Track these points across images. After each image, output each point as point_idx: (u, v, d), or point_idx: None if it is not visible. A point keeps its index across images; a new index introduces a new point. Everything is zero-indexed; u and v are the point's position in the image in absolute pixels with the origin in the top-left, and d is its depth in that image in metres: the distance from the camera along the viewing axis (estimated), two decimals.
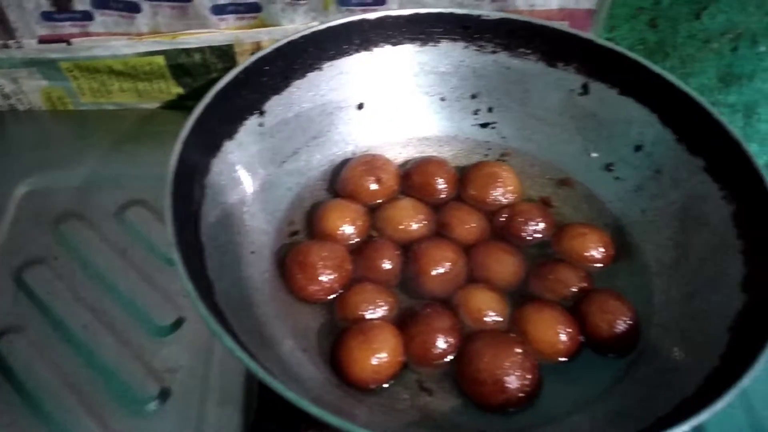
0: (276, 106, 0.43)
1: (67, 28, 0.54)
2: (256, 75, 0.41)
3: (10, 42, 0.53)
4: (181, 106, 0.60)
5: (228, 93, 0.39)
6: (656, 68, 0.43)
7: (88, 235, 0.49)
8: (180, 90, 0.58)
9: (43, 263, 0.47)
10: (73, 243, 0.49)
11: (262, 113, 0.42)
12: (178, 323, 0.44)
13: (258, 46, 0.56)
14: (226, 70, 0.54)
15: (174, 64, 0.56)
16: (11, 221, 0.50)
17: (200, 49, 0.55)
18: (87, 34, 0.54)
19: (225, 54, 0.56)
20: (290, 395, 0.27)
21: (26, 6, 0.52)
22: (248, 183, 0.41)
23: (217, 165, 0.38)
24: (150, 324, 0.44)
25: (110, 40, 0.54)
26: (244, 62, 0.41)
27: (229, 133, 0.40)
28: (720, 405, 0.27)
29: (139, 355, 0.43)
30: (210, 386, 0.41)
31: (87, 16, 0.53)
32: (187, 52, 0.55)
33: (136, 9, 0.53)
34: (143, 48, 0.54)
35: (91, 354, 0.42)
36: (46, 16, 0.53)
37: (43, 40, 0.54)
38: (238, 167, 0.40)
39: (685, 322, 0.37)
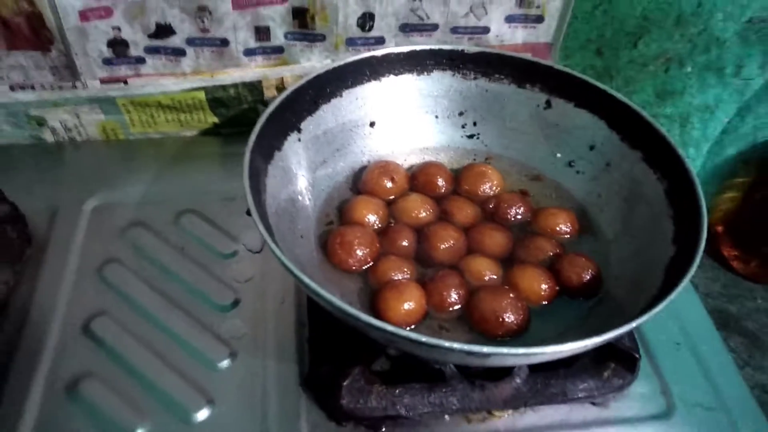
0: (309, 124, 0.53)
1: (123, 70, 0.63)
2: (294, 102, 0.51)
3: (78, 84, 0.63)
4: (216, 132, 0.69)
5: (276, 116, 0.49)
6: (601, 85, 0.55)
7: (151, 239, 0.57)
8: (215, 119, 0.68)
9: (118, 262, 0.55)
10: (140, 246, 0.57)
11: (299, 131, 0.53)
12: (235, 303, 0.53)
13: (282, 81, 0.66)
14: (256, 101, 0.65)
15: (212, 98, 0.65)
16: (85, 231, 0.58)
17: (234, 85, 0.65)
18: (139, 75, 0.64)
19: (255, 88, 0.66)
20: (332, 299, 0.35)
21: (90, 54, 0.61)
22: (294, 184, 0.51)
23: (272, 169, 0.48)
24: (212, 304, 0.53)
25: (160, 80, 0.64)
26: (285, 91, 0.50)
27: (278, 145, 0.50)
28: (658, 309, 0.38)
29: (208, 327, 0.51)
30: (269, 347, 0.50)
31: (140, 60, 0.63)
32: (224, 87, 0.65)
33: (181, 53, 0.62)
34: (188, 85, 0.64)
35: (168, 329, 0.51)
36: (106, 62, 0.62)
37: (103, 81, 0.63)
38: (285, 171, 0.50)
39: (634, 271, 0.48)
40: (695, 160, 0.83)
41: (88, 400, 0.46)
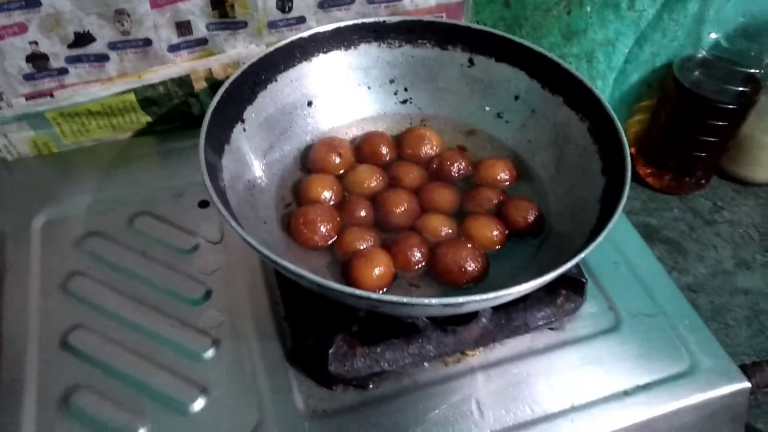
0: (251, 113, 0.55)
1: (46, 83, 0.62)
2: (233, 94, 0.52)
3: (1, 103, 0.61)
4: (150, 131, 0.69)
5: (218, 111, 0.50)
6: (517, 39, 0.58)
7: (110, 247, 0.57)
8: (148, 118, 0.68)
9: (81, 274, 0.55)
10: (100, 255, 0.56)
11: (243, 121, 0.54)
12: (207, 294, 0.54)
13: (210, 72, 0.66)
14: (186, 95, 0.65)
15: (142, 98, 0.65)
16: (40, 248, 0.57)
17: (163, 82, 0.65)
18: (64, 86, 0.62)
19: (184, 83, 0.66)
20: (318, 279, 0.38)
21: (10, 71, 0.59)
22: (248, 173, 0.53)
23: (225, 162, 0.49)
24: (185, 299, 0.54)
25: (87, 87, 0.63)
26: (223, 85, 0.51)
27: (226, 139, 0.51)
28: (600, 239, 0.42)
29: (185, 321, 0.52)
30: (248, 330, 0.51)
31: (63, 71, 0.62)
32: (153, 86, 0.65)
33: (105, 59, 0.62)
34: (116, 89, 0.63)
35: (146, 330, 0.51)
36: (28, 77, 0.61)
37: (27, 97, 0.62)
38: (238, 162, 0.52)
39: (571, 206, 0.52)
40: (603, 90, 0.88)
41: (84, 412, 0.47)
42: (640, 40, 0.81)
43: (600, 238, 0.41)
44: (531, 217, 0.51)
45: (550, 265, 0.42)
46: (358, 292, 0.37)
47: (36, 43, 0.58)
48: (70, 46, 0.59)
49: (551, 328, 0.52)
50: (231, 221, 0.41)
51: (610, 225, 0.42)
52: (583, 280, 0.51)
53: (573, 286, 0.52)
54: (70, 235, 0.58)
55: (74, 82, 0.62)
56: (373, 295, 0.37)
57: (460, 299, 0.37)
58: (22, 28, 0.57)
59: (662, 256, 0.80)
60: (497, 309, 0.50)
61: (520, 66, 0.57)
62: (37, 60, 0.59)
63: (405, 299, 0.37)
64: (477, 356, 0.50)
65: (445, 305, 0.37)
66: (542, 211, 0.52)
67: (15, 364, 0.49)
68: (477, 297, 0.38)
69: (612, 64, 0.84)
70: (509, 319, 0.50)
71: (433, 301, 0.37)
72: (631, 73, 0.86)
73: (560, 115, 0.55)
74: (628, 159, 0.46)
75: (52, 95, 0.62)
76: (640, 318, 0.53)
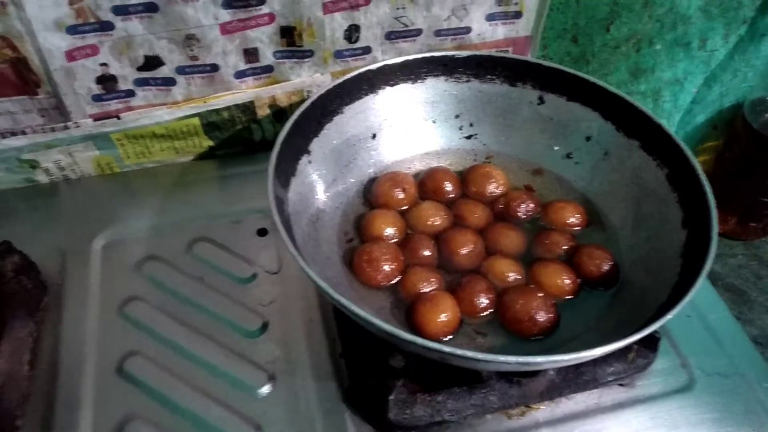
0: (316, 145, 0.53)
1: (113, 105, 0.62)
2: (300, 125, 0.51)
3: (69, 123, 0.61)
4: (211, 155, 0.68)
5: (286, 143, 0.49)
6: (591, 78, 0.56)
7: (168, 272, 0.56)
8: (210, 142, 0.67)
9: (139, 298, 0.54)
10: (158, 279, 0.56)
11: (309, 152, 0.52)
12: (264, 326, 0.53)
13: (274, 99, 0.65)
14: (249, 121, 0.64)
15: (206, 123, 0.65)
16: (99, 270, 0.57)
17: (227, 108, 0.64)
18: (131, 108, 0.62)
19: (248, 109, 0.65)
20: (356, 309, 0.36)
21: (79, 92, 0.59)
22: (312, 206, 0.51)
23: (291, 196, 0.48)
24: (241, 330, 0.52)
25: (152, 111, 0.62)
26: (291, 117, 0.50)
27: (292, 171, 0.50)
28: (687, 300, 0.39)
29: (241, 353, 0.51)
30: (304, 367, 0.50)
31: (130, 94, 0.61)
32: (217, 111, 0.64)
33: (172, 83, 0.61)
34: (181, 113, 0.63)
35: (202, 361, 0.50)
36: (96, 98, 0.61)
37: (94, 118, 0.62)
38: (302, 196, 0.50)
39: (647, 258, 0.49)
40: None
41: None
42: (709, 80, 0.78)
43: (688, 297, 0.38)
44: (605, 267, 0.48)
45: (627, 320, 0.40)
46: (430, 344, 0.35)
47: (106, 65, 0.58)
48: (140, 69, 0.59)
49: (621, 384, 0.49)
50: (301, 262, 0.39)
51: (698, 284, 0.39)
52: (657, 335, 0.48)
53: (645, 341, 0.49)
54: (130, 257, 0.57)
55: (140, 105, 0.62)
56: (446, 349, 0.35)
57: (539, 359, 0.35)
58: (94, 50, 0.57)
59: (726, 305, 0.75)
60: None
61: (594, 106, 0.55)
62: (107, 81, 0.59)
63: (480, 355, 0.35)
64: (542, 410, 0.48)
65: (522, 363, 0.35)
66: (616, 260, 0.49)
67: (72, 387, 0.49)
68: (556, 357, 0.35)
69: (678, 103, 0.81)
70: (578, 374, 0.47)
71: (511, 359, 0.34)
72: (698, 113, 0.83)
73: (635, 160, 0.52)
74: (714, 212, 0.43)
75: (118, 117, 0.61)
76: (714, 378, 0.50)
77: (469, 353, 0.34)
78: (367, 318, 0.36)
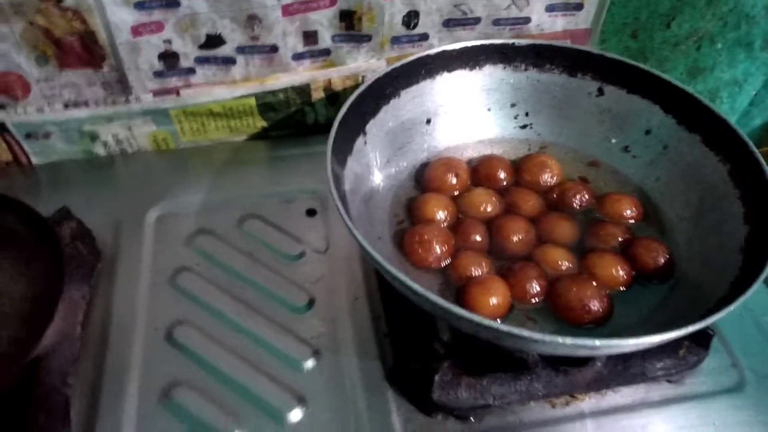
0: (372, 127, 0.53)
1: (173, 82, 0.63)
2: (358, 106, 0.51)
3: (130, 98, 0.62)
4: (264, 136, 0.69)
5: (344, 122, 0.49)
6: (653, 71, 0.55)
7: (218, 246, 0.57)
8: (264, 123, 0.68)
9: (189, 270, 0.55)
10: (209, 253, 0.57)
11: (365, 133, 0.52)
12: (310, 303, 0.53)
13: (329, 83, 0.66)
14: (304, 104, 0.65)
15: (262, 103, 0.65)
16: (152, 241, 0.58)
17: (284, 89, 0.65)
18: (190, 86, 0.63)
19: (303, 91, 0.65)
20: (415, 286, 0.36)
21: (142, 68, 0.60)
22: (366, 186, 0.52)
23: (347, 173, 0.48)
24: (288, 305, 0.53)
25: (211, 89, 0.63)
26: (350, 98, 0.50)
27: (349, 150, 0.50)
28: (749, 294, 0.38)
29: (288, 328, 0.51)
30: (349, 344, 0.50)
31: (191, 71, 0.62)
32: (273, 92, 0.65)
33: (232, 62, 0.62)
34: (239, 92, 0.64)
35: (249, 332, 0.51)
36: (157, 74, 0.62)
37: (154, 93, 0.63)
38: (357, 175, 0.50)
39: (705, 253, 0.48)
40: None
41: (183, 407, 0.46)
42: None
43: (750, 292, 0.37)
44: (661, 260, 0.47)
45: (682, 314, 0.39)
46: (485, 321, 0.35)
47: (170, 41, 0.59)
48: (201, 47, 0.60)
49: (669, 380, 0.48)
50: (356, 234, 0.39)
51: (761, 278, 0.38)
52: (710, 332, 0.47)
53: (697, 338, 0.47)
54: (182, 230, 0.58)
55: (200, 83, 0.63)
56: (503, 327, 0.34)
57: (596, 342, 0.34)
58: (159, 27, 0.57)
59: None
60: (615, 354, 0.46)
61: (655, 99, 0.54)
62: (169, 58, 0.60)
63: (537, 335, 0.34)
64: (587, 401, 0.47)
65: (578, 345, 0.34)
66: (673, 254, 0.48)
67: (121, 351, 0.49)
68: (612, 342, 0.34)
69: (736, 105, 0.79)
70: (626, 366, 0.46)
71: (567, 340, 0.34)
72: (756, 116, 0.80)
73: (696, 155, 0.51)
74: None
75: (178, 93, 0.62)
76: (766, 381, 0.48)
77: (525, 332, 0.34)
78: (425, 294, 0.36)
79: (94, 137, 0.65)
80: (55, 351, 0.47)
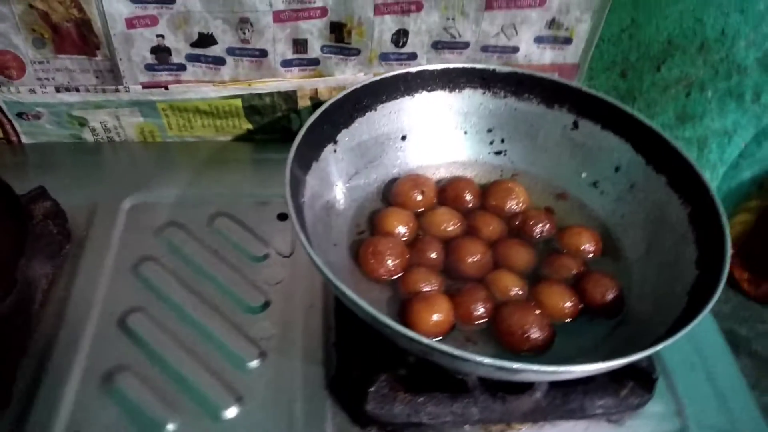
0: (344, 137, 0.54)
1: (164, 76, 0.64)
2: (331, 114, 0.52)
3: (120, 87, 0.63)
4: (249, 138, 0.70)
5: (314, 128, 0.49)
6: (628, 109, 0.55)
7: (186, 239, 0.58)
8: (250, 126, 0.68)
9: (154, 260, 0.56)
10: (175, 245, 0.57)
11: (335, 142, 0.53)
12: (266, 305, 0.53)
13: (316, 92, 0.66)
14: (289, 110, 0.65)
15: (248, 105, 0.66)
16: (123, 228, 0.59)
17: (270, 94, 0.65)
18: (179, 82, 0.64)
19: (290, 98, 0.66)
20: (372, 310, 0.36)
21: (134, 59, 0.62)
22: (329, 193, 0.52)
23: (310, 179, 0.49)
24: (243, 305, 0.53)
25: (200, 86, 0.64)
26: (324, 105, 0.51)
27: (315, 156, 0.50)
28: (679, 336, 0.38)
29: (239, 327, 0.51)
30: (296, 350, 0.50)
31: (181, 67, 0.63)
32: (260, 96, 0.65)
33: (221, 62, 0.63)
34: (226, 93, 0.65)
35: (200, 327, 0.51)
36: (149, 67, 0.63)
37: (144, 86, 0.64)
38: (322, 181, 0.51)
39: (656, 293, 0.47)
40: (711, 182, 0.82)
41: (122, 392, 0.46)
42: (760, 135, 0.75)
43: (682, 333, 0.37)
44: (610, 296, 0.47)
45: (622, 350, 0.38)
46: (410, 333, 0.35)
47: (162, 36, 0.60)
48: (193, 45, 0.61)
49: (609, 420, 0.47)
50: (302, 236, 0.39)
51: (696, 321, 0.38)
52: (654, 376, 0.46)
53: (642, 380, 0.47)
54: (153, 221, 0.59)
55: (189, 80, 0.64)
56: (425, 341, 0.34)
57: (516, 365, 0.34)
58: (153, 21, 0.59)
59: (744, 369, 0.71)
60: (554, 386, 0.46)
61: (627, 137, 0.54)
62: (161, 53, 0.61)
63: (457, 352, 0.34)
64: (524, 431, 0.46)
65: (499, 368, 0.34)
66: (623, 292, 0.48)
67: (74, 330, 0.50)
68: (535, 367, 0.34)
69: (725, 156, 0.78)
70: (566, 400, 0.45)
71: (486, 360, 0.33)
72: (744, 169, 0.79)
73: (661, 195, 0.51)
74: (728, 255, 0.42)
75: (167, 88, 0.63)
76: None
77: (446, 348, 0.34)
78: (355, 300, 0.36)
79: (82, 123, 0.66)
80: (10, 322, 0.47)
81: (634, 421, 0.47)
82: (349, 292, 0.36)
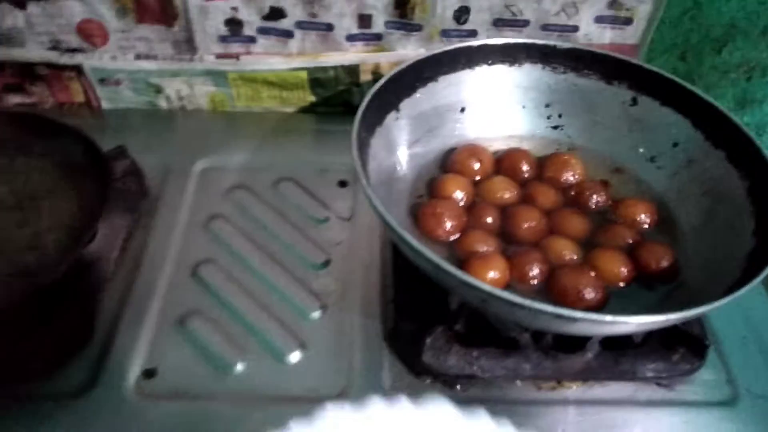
0: (406, 106, 0.55)
1: (235, 47, 0.67)
2: (395, 83, 0.53)
3: (195, 57, 0.66)
4: (312, 110, 0.72)
5: (379, 95, 0.51)
6: (688, 86, 0.55)
7: (252, 201, 0.61)
8: (313, 98, 0.71)
9: (223, 218, 0.59)
10: (243, 206, 0.60)
11: (398, 110, 0.55)
12: (326, 263, 0.56)
13: (377, 66, 0.68)
14: (351, 84, 0.67)
15: (313, 78, 0.68)
16: (194, 189, 0.62)
17: (334, 67, 0.68)
18: (249, 53, 0.67)
19: (352, 71, 0.68)
20: (421, 248, 0.38)
21: (209, 31, 0.65)
22: (391, 158, 0.54)
23: (374, 142, 0.51)
24: (306, 262, 0.56)
25: (268, 58, 0.67)
26: (388, 74, 0.53)
27: (379, 122, 0.52)
28: (737, 295, 0.38)
29: (302, 281, 0.54)
30: (356, 304, 0.53)
31: (252, 40, 0.66)
32: (324, 69, 0.68)
33: (290, 35, 0.65)
34: (293, 65, 0.67)
35: (266, 279, 0.54)
36: (222, 39, 0.66)
37: (217, 56, 0.67)
38: (384, 146, 0.52)
39: (710, 263, 0.48)
40: None
41: (195, 334, 0.49)
42: None
43: (736, 294, 0.38)
44: (665, 263, 0.47)
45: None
46: (474, 281, 0.36)
47: (236, 9, 0.63)
48: (264, 18, 0.63)
49: (659, 384, 0.48)
50: (370, 193, 0.41)
51: (751, 285, 0.38)
52: (706, 342, 0.47)
53: (693, 346, 0.47)
54: (222, 183, 0.63)
55: (259, 52, 0.67)
56: (488, 288, 0.36)
57: (576, 313, 0.35)
58: None
59: None
60: (606, 347, 0.47)
61: (686, 114, 0.54)
62: (234, 25, 0.64)
63: (518, 299, 0.35)
64: (573, 389, 0.47)
65: (557, 316, 0.35)
66: (678, 260, 0.48)
67: (150, 278, 0.53)
68: (593, 316, 0.35)
69: None
70: (617, 362, 0.46)
71: (547, 308, 0.35)
72: None
73: (719, 170, 0.51)
74: None
75: (238, 58, 0.66)
76: (759, 401, 0.47)
77: (506, 294, 0.35)
78: (421, 250, 0.38)
79: (158, 90, 0.69)
80: (94, 264, 0.51)
81: (683, 387, 0.48)
82: (414, 242, 0.38)
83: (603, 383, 0.48)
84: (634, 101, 0.57)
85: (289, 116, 0.71)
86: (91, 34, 0.64)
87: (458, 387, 0.47)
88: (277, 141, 0.68)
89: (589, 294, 0.44)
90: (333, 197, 0.62)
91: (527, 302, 0.35)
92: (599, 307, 0.45)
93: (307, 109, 0.71)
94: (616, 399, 0.47)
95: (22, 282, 0.48)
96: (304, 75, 0.67)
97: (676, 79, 0.55)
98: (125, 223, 0.56)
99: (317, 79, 0.68)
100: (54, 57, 0.65)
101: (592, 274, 0.46)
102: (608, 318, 0.36)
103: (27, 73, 0.66)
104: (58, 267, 0.47)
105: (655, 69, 0.56)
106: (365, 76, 0.68)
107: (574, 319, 0.36)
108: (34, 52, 0.64)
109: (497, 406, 0.44)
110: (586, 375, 0.46)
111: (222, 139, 0.68)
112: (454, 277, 0.37)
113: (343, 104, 0.71)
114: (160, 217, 0.59)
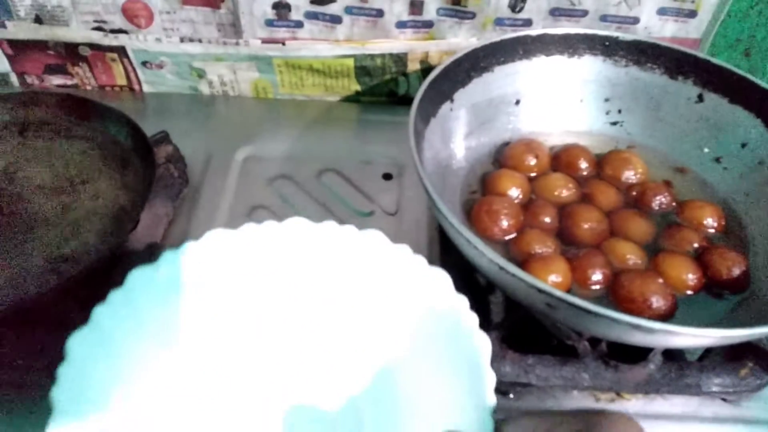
0: (460, 97, 0.53)
1: (282, 32, 0.64)
2: (450, 73, 0.51)
3: (240, 41, 0.64)
4: (356, 99, 0.69)
5: (434, 85, 0.49)
6: (761, 82, 0.51)
7: (296, 191, 0.59)
8: (358, 87, 0.68)
9: (266, 209, 0.57)
10: (286, 196, 0.58)
11: (452, 101, 0.52)
12: None
13: (426, 55, 0.65)
14: (398, 73, 0.64)
15: (359, 66, 0.66)
16: (237, 177, 0.60)
17: (382, 55, 0.65)
18: (296, 39, 0.64)
19: (400, 60, 0.65)
20: (499, 259, 0.35)
21: (255, 14, 0.62)
22: (444, 150, 0.51)
23: (428, 133, 0.48)
24: None
25: (315, 44, 0.64)
26: (444, 62, 0.50)
27: (433, 112, 0.49)
28: None
29: None
30: None
31: (299, 24, 0.63)
32: (372, 56, 0.65)
33: (338, 21, 0.63)
34: (340, 51, 0.64)
35: None
36: (268, 23, 0.63)
37: (263, 41, 0.64)
38: (438, 137, 0.50)
39: None
40: None
41: None
42: None
43: None
44: (736, 271, 0.44)
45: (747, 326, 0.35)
46: (541, 284, 0.33)
47: None
48: (313, 2, 0.61)
49: (725, 399, 0.44)
50: (428, 184, 0.39)
51: None
52: None
53: (762, 360, 0.44)
54: (265, 172, 0.60)
55: (305, 37, 0.64)
56: (558, 293, 0.33)
57: (656, 325, 0.32)
58: None
59: None
60: (669, 359, 0.43)
61: (758, 113, 0.50)
62: (281, 9, 0.61)
63: (593, 306, 0.32)
64: (634, 402, 0.44)
65: (634, 326, 0.32)
66: (749, 267, 0.45)
67: None
68: (679, 329, 0.32)
69: None
70: (680, 375, 0.43)
71: (627, 318, 0.32)
72: None
73: None
74: None
75: (284, 44, 0.64)
76: None
77: (579, 301, 0.32)
78: (482, 249, 0.35)
79: (201, 75, 0.67)
80: (136, 252, 0.49)
81: (751, 403, 0.45)
82: (478, 242, 0.35)
83: (665, 397, 0.45)
84: (700, 98, 0.53)
85: (332, 105, 0.69)
86: (136, 14, 0.62)
87: (511, 395, 0.44)
88: (321, 130, 0.66)
89: (658, 302, 0.41)
90: (378, 190, 0.59)
91: (603, 311, 0.33)
92: (668, 316, 0.42)
93: (351, 98, 0.69)
94: (679, 414, 0.44)
95: (63, 269, 0.46)
96: (350, 62, 0.65)
97: (748, 75, 0.51)
98: (167, 210, 0.54)
99: (364, 67, 0.65)
100: (97, 38, 0.63)
101: (660, 280, 0.42)
102: (692, 331, 0.32)
103: (70, 53, 0.64)
104: (100, 254, 0.45)
105: (724, 64, 0.52)
106: (413, 65, 0.66)
107: (652, 330, 0.32)
108: (78, 32, 0.62)
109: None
110: (648, 387, 0.43)
111: (265, 126, 0.66)
112: (520, 279, 0.34)
113: (388, 94, 0.68)
114: (201, 205, 0.57)
